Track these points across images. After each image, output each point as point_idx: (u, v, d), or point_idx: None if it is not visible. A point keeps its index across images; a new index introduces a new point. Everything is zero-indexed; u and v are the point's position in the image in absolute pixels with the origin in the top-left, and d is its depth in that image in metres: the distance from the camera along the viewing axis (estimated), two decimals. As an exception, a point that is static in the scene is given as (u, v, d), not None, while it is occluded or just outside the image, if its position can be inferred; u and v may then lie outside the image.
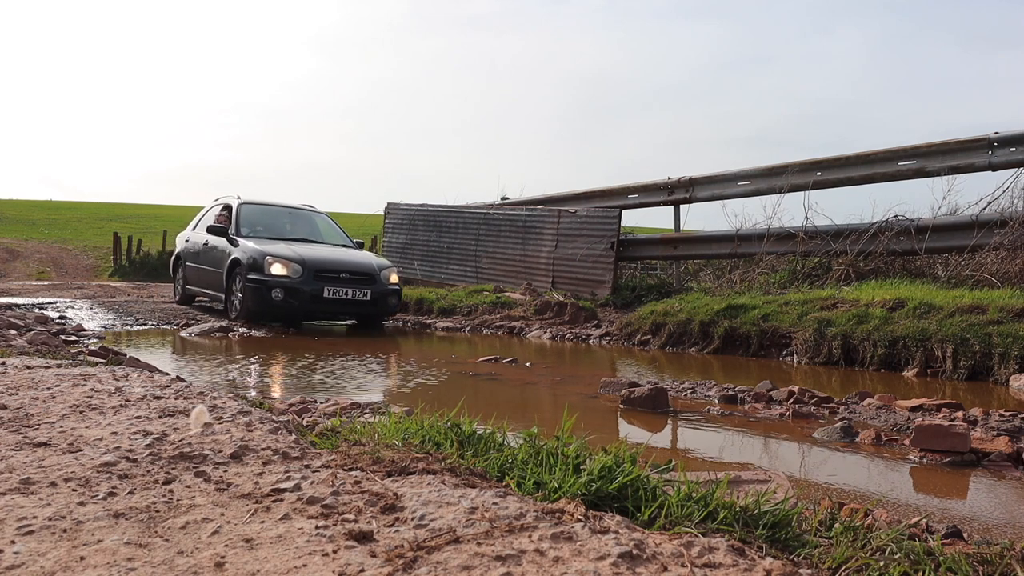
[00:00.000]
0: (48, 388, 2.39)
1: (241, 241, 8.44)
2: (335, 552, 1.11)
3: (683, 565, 1.09)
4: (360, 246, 9.58)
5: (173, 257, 10.64)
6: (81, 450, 1.64)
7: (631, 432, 3.26)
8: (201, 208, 10.58)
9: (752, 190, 9.47)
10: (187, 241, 10.04)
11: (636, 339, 7.31)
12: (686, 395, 4.16)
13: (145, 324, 7.78)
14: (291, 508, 1.31)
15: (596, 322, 8.55)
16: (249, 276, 7.88)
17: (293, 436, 1.83)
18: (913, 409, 3.66)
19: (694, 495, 1.36)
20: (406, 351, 6.53)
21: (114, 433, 1.80)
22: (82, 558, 1.09)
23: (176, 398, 2.30)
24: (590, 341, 7.57)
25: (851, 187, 8.93)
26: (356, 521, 1.24)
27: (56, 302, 9.74)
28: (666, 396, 3.71)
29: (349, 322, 8.91)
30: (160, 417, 2.00)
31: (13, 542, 1.13)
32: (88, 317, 8.11)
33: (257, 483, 1.44)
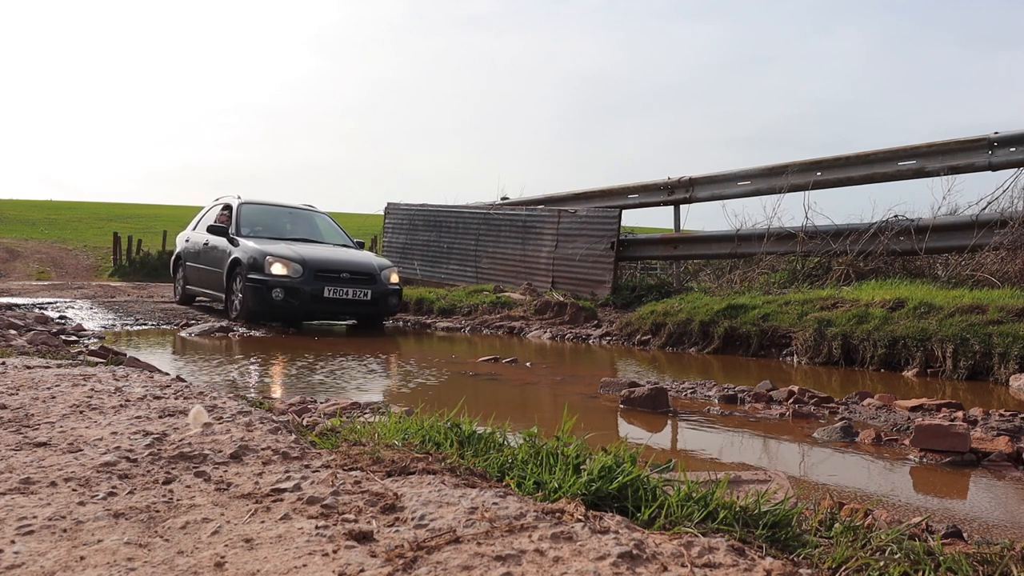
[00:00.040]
0: (48, 388, 2.39)
1: (241, 241, 8.44)
2: (335, 552, 1.11)
3: (683, 565, 1.09)
4: (360, 246, 9.58)
5: (173, 257, 10.65)
6: (81, 450, 1.64)
7: (631, 432, 3.26)
8: (201, 208, 10.58)
9: (752, 190, 9.47)
10: (187, 241, 10.04)
11: (636, 339, 7.31)
12: (686, 395, 4.16)
13: (145, 324, 7.78)
14: (291, 508, 1.31)
15: (596, 322, 8.55)
16: (249, 276, 7.88)
17: (293, 436, 1.83)
18: (913, 409, 3.66)
19: (694, 495, 1.36)
20: (406, 351, 6.53)
21: (114, 433, 1.80)
22: (82, 558, 1.09)
23: (176, 398, 2.30)
24: (590, 341, 7.57)
25: (851, 187, 8.93)
26: (356, 521, 1.24)
27: (56, 302, 9.74)
28: (666, 396, 3.71)
29: (349, 322, 8.91)
30: (160, 417, 2.00)
31: (13, 542, 1.13)
32: (88, 317, 8.11)
33: (257, 483, 1.44)
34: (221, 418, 1.98)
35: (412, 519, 1.25)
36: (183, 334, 6.95)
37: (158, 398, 2.28)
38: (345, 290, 7.98)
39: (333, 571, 1.05)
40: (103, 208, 38.68)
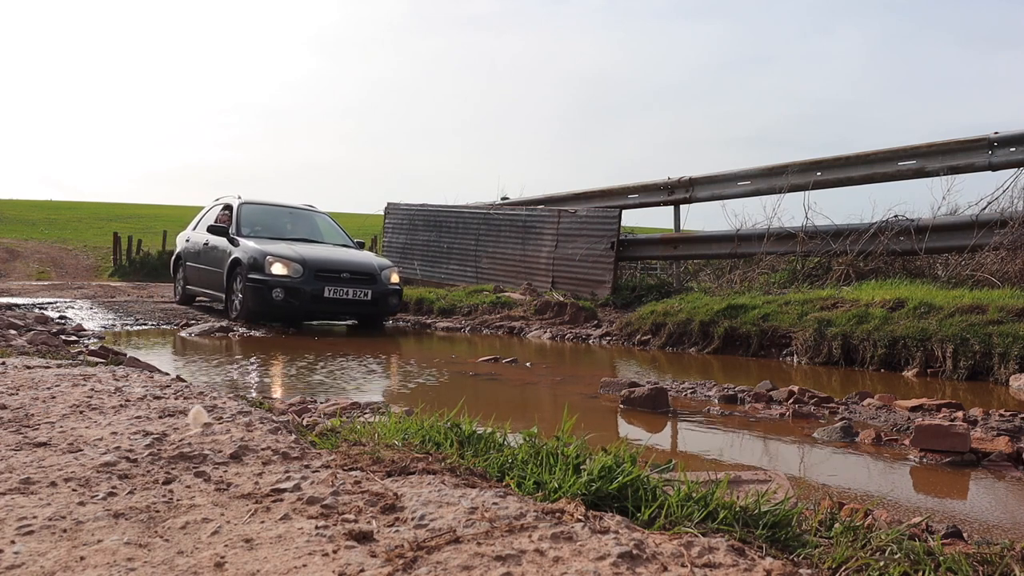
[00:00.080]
0: (48, 388, 2.39)
1: (242, 241, 8.44)
2: (335, 552, 1.11)
3: (683, 565, 1.09)
4: (361, 246, 9.57)
5: (173, 257, 10.65)
6: (81, 450, 1.64)
7: (631, 432, 3.26)
8: (201, 208, 10.58)
9: (752, 190, 9.47)
10: (187, 241, 10.04)
11: (636, 339, 7.31)
12: (686, 395, 4.16)
13: (145, 324, 7.78)
14: (291, 508, 1.31)
15: (596, 322, 8.55)
16: (250, 276, 7.88)
17: (293, 436, 1.83)
18: (913, 409, 3.66)
19: (694, 495, 1.36)
20: (406, 351, 6.53)
21: (114, 433, 1.80)
22: (82, 558, 1.09)
23: (176, 398, 2.30)
24: (590, 341, 7.57)
25: (851, 187, 8.93)
26: (356, 521, 1.24)
27: (56, 302, 9.74)
28: (666, 396, 3.71)
29: (349, 322, 8.91)
30: (160, 417, 2.00)
31: (13, 542, 1.13)
32: (88, 317, 8.11)
33: (257, 483, 1.44)
34: (221, 418, 1.98)
35: (412, 519, 1.25)
36: (183, 334, 6.95)
37: (158, 398, 2.28)
38: (345, 290, 7.98)
39: (333, 571, 1.05)
40: (103, 208, 38.68)
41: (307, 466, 1.56)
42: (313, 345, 6.41)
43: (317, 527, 1.21)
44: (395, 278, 8.59)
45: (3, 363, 2.93)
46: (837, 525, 1.37)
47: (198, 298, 10.02)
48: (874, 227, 8.23)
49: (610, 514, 1.28)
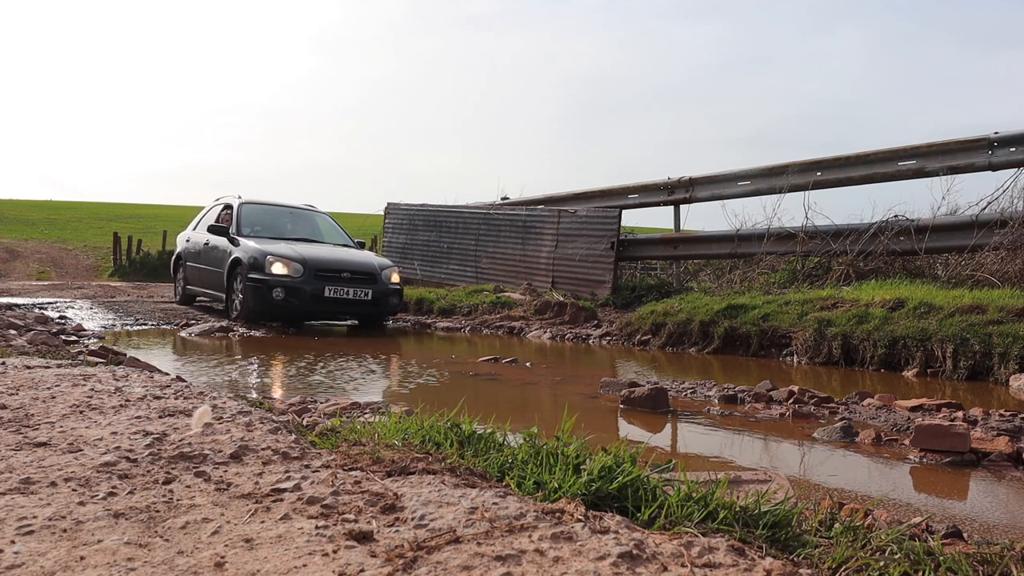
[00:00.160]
0: (48, 388, 2.39)
1: (242, 241, 8.44)
2: (335, 552, 1.11)
3: (683, 565, 1.09)
4: (361, 246, 9.58)
5: (174, 257, 10.65)
6: (81, 450, 1.64)
7: (631, 432, 3.26)
8: (201, 208, 10.58)
9: (752, 190, 9.47)
10: (188, 241, 10.04)
11: (636, 339, 7.31)
12: (686, 395, 4.16)
13: (145, 324, 7.78)
14: (291, 508, 1.31)
15: (596, 322, 8.55)
16: (250, 275, 7.88)
17: (293, 436, 1.83)
18: (913, 409, 3.66)
19: (694, 495, 1.36)
20: (406, 351, 6.53)
21: (114, 433, 1.80)
22: (82, 558, 1.09)
23: (176, 398, 2.30)
24: (590, 341, 7.57)
25: (851, 187, 8.94)
26: (356, 521, 1.24)
27: (56, 302, 9.74)
28: (666, 396, 3.71)
29: (350, 322, 8.91)
30: (160, 417, 2.00)
31: (13, 542, 1.13)
32: (88, 317, 8.11)
33: (257, 483, 1.44)
34: (221, 418, 1.98)
35: (412, 519, 1.25)
36: (183, 334, 6.95)
37: (158, 398, 2.28)
38: (346, 290, 7.98)
39: (333, 571, 1.05)
40: (103, 208, 38.69)
41: (307, 466, 1.56)
42: (313, 345, 6.41)
43: (317, 527, 1.21)
44: (395, 278, 8.59)
45: (3, 363, 2.93)
46: (837, 525, 1.37)
47: (198, 298, 10.02)
48: (874, 227, 8.23)
49: (610, 514, 1.28)
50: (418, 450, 1.68)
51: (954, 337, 5.23)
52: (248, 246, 8.22)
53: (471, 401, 2.58)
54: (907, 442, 2.96)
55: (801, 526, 1.37)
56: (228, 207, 9.36)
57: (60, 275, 19.06)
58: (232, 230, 8.75)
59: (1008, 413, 3.45)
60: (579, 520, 1.23)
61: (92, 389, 2.39)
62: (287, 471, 1.52)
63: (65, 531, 1.18)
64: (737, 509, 1.31)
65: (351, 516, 1.26)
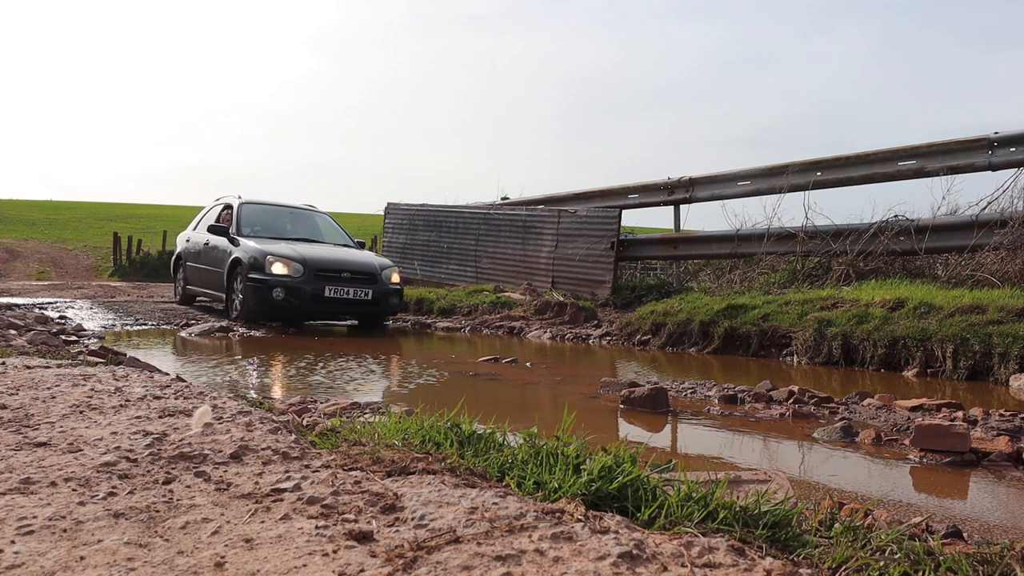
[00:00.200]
0: (48, 388, 2.39)
1: (242, 241, 8.44)
2: (335, 552, 1.11)
3: (683, 565, 1.09)
4: (361, 246, 9.58)
5: (174, 257, 10.65)
6: (81, 450, 1.64)
7: (631, 432, 3.26)
8: (201, 208, 10.59)
9: (752, 190, 9.47)
10: (188, 241, 10.04)
11: (636, 339, 7.31)
12: (686, 395, 4.16)
13: (145, 324, 7.78)
14: (291, 508, 1.31)
15: (596, 322, 8.55)
16: (250, 275, 7.88)
17: (293, 436, 1.83)
18: (913, 409, 3.66)
19: (694, 495, 1.36)
20: (406, 351, 6.53)
21: (114, 433, 1.80)
22: (82, 558, 1.09)
23: (176, 398, 2.30)
24: (590, 341, 7.57)
25: (851, 187, 8.94)
26: (356, 521, 1.24)
27: (56, 302, 9.74)
28: (666, 396, 3.71)
29: (350, 322, 8.91)
30: (160, 417, 2.00)
31: (13, 542, 1.13)
32: (88, 317, 8.11)
33: (257, 483, 1.44)
34: (221, 418, 1.98)
35: (412, 519, 1.25)
36: (183, 334, 6.95)
37: (158, 398, 2.28)
38: (346, 290, 7.98)
39: (333, 571, 1.05)
40: (103, 208, 38.69)
41: (307, 466, 1.56)
42: (313, 345, 6.41)
43: (317, 527, 1.21)
44: (396, 278, 8.58)
45: (3, 363, 2.93)
46: (837, 525, 1.37)
47: (198, 298, 10.02)
48: (874, 227, 8.23)
49: (610, 514, 1.28)
50: (418, 450, 1.68)
51: (954, 337, 5.23)
52: (248, 246, 8.22)
53: (471, 401, 2.58)
54: (907, 442, 2.96)
55: (801, 526, 1.37)
56: (228, 207, 9.36)
57: (60, 275, 19.06)
58: (232, 230, 8.75)
59: (1008, 413, 3.45)
60: (579, 520, 1.23)
61: (92, 389, 2.39)
62: (287, 471, 1.52)
63: (65, 531, 1.18)
64: (737, 509, 1.31)
65: (351, 516, 1.26)
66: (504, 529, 1.20)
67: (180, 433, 1.81)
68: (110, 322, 7.79)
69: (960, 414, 3.47)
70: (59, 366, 2.97)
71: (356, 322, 8.78)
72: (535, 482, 1.46)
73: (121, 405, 2.15)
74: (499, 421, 1.99)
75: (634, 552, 1.12)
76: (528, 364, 5.51)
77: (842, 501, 1.97)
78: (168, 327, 7.60)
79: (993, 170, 7.83)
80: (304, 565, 1.07)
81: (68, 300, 10.25)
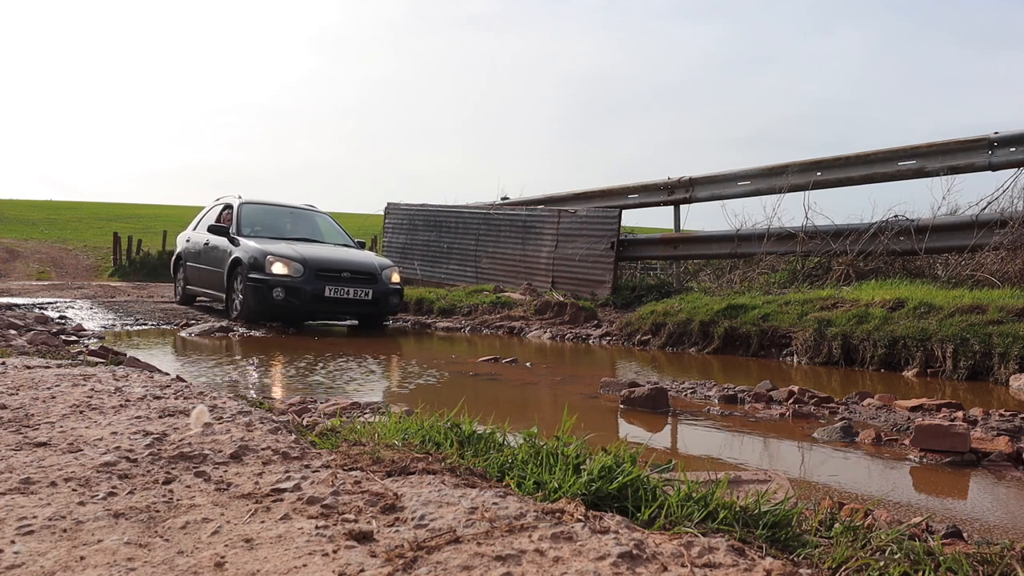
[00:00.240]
0: (48, 388, 2.39)
1: (242, 241, 8.44)
2: (335, 552, 1.11)
3: (683, 565, 1.09)
4: (361, 246, 9.58)
5: (174, 257, 10.65)
6: (81, 450, 1.64)
7: (631, 432, 3.26)
8: (201, 208, 10.59)
9: (752, 190, 9.47)
10: (188, 241, 10.04)
11: (636, 339, 7.31)
12: (686, 395, 4.16)
13: (145, 324, 7.78)
14: (291, 508, 1.31)
15: (596, 322, 8.55)
16: (250, 275, 7.88)
17: (293, 436, 1.83)
18: (913, 409, 3.66)
19: (694, 495, 1.36)
20: (406, 351, 6.53)
21: (114, 433, 1.80)
22: (82, 558, 1.09)
23: (176, 398, 2.30)
24: (590, 341, 7.57)
25: (851, 187, 8.94)
26: (356, 521, 1.24)
27: (56, 302, 9.74)
28: (666, 396, 3.71)
29: (350, 322, 8.91)
30: (160, 417, 2.00)
31: (13, 542, 1.13)
32: (88, 317, 8.11)
33: (257, 483, 1.45)
34: (221, 418, 1.98)
35: (412, 519, 1.25)
36: (183, 334, 6.95)
37: (158, 398, 2.28)
38: (346, 289, 7.98)
39: (333, 571, 1.05)
40: (103, 208, 38.69)
41: (307, 466, 1.56)
42: (313, 345, 6.41)
43: (317, 527, 1.21)
44: (396, 278, 8.58)
45: (3, 363, 2.93)
46: (837, 525, 1.37)
47: (198, 298, 10.02)
48: (874, 227, 8.23)
49: (610, 514, 1.28)
50: (418, 450, 1.68)
51: (954, 337, 5.23)
52: (248, 246, 8.22)
53: (471, 401, 2.58)
54: (907, 442, 2.96)
55: (801, 526, 1.37)
56: (228, 207, 9.36)
57: (60, 275, 19.06)
58: (232, 230, 8.75)
59: (1008, 413, 3.45)
60: (579, 520, 1.23)
61: (92, 389, 2.39)
62: (287, 471, 1.52)
63: (65, 531, 1.18)
64: (737, 509, 1.31)
65: (351, 516, 1.26)
66: (504, 529, 1.20)
67: (180, 433, 1.81)
68: (110, 322, 7.80)
69: (960, 414, 3.47)
70: (59, 366, 2.97)
71: (356, 322, 8.78)
72: (535, 482, 1.46)
73: (121, 405, 2.15)
74: (499, 421, 1.99)
75: (634, 552, 1.12)
76: (528, 364, 5.51)
77: (842, 501, 1.97)
78: (168, 327, 7.60)
79: (993, 170, 7.84)
80: (304, 565, 1.07)
81: (68, 300, 10.25)
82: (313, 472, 1.51)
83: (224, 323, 7.72)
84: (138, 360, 4.02)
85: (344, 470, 1.53)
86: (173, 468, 1.52)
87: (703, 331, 6.78)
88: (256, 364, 5.06)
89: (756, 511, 1.32)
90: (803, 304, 6.56)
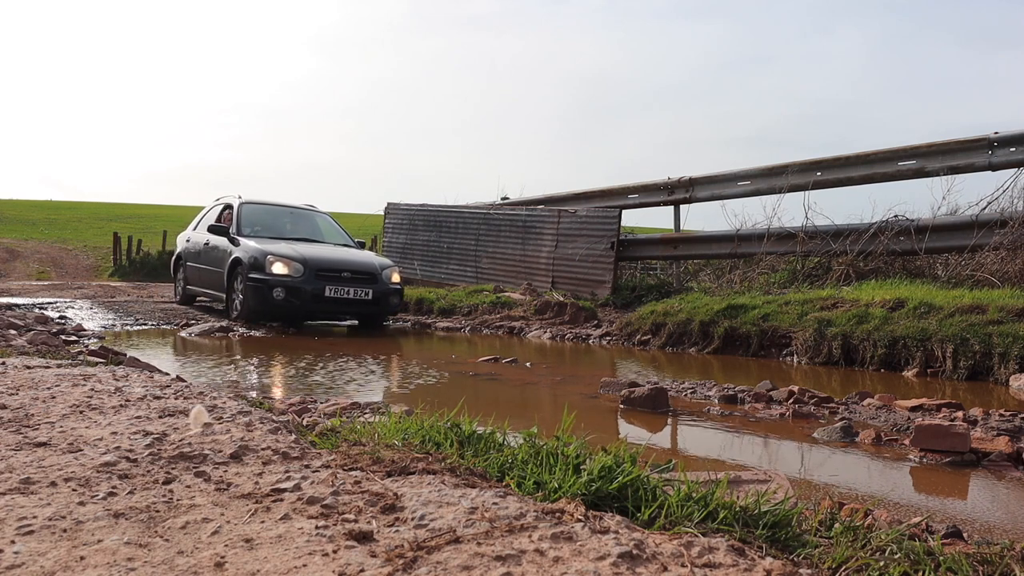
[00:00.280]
0: (48, 388, 2.39)
1: (242, 240, 8.44)
2: (335, 552, 1.11)
3: (683, 565, 1.09)
4: (361, 246, 9.57)
5: (174, 257, 10.65)
6: (81, 450, 1.64)
7: (631, 432, 3.26)
8: (201, 208, 10.59)
9: (752, 190, 9.47)
10: (188, 241, 10.04)
11: (636, 339, 7.31)
12: (686, 395, 4.16)
13: (145, 324, 7.78)
14: (291, 508, 1.31)
15: (596, 322, 8.55)
16: (250, 275, 7.88)
17: (293, 436, 1.83)
18: (913, 409, 3.66)
19: (694, 495, 1.36)
20: (406, 351, 6.53)
21: (114, 433, 1.80)
22: (82, 558, 1.09)
23: (176, 398, 2.30)
24: (590, 341, 7.57)
25: (851, 187, 8.94)
26: (356, 521, 1.24)
27: (56, 302, 9.74)
28: (666, 396, 3.71)
29: (350, 322, 8.91)
30: (160, 417, 2.00)
31: (13, 542, 1.13)
32: (88, 317, 8.11)
33: (257, 483, 1.44)
34: (221, 418, 1.98)
35: (412, 519, 1.25)
36: (183, 334, 6.95)
37: (158, 398, 2.28)
38: (346, 289, 7.98)
39: (333, 571, 1.05)
40: (103, 208, 38.69)
41: (307, 466, 1.56)
42: (313, 345, 6.41)
43: (317, 527, 1.21)
44: (396, 278, 8.58)
45: (3, 363, 2.94)
46: (837, 525, 1.37)
47: (198, 298, 10.02)
48: (874, 227, 8.24)
49: (610, 514, 1.28)
50: (418, 450, 1.68)
51: (954, 337, 5.23)
52: (248, 246, 8.22)
53: (471, 401, 2.58)
54: (907, 442, 2.96)
55: (801, 526, 1.37)
56: (228, 207, 9.36)
57: (60, 275, 19.06)
58: (232, 230, 8.75)
59: (1008, 413, 3.45)
60: (579, 520, 1.23)
61: (92, 389, 2.39)
62: (287, 471, 1.52)
63: (65, 531, 1.18)
64: (737, 509, 1.31)
65: (351, 516, 1.26)
66: (504, 529, 1.20)
67: (180, 433, 1.81)
68: (110, 322, 7.80)
69: (960, 414, 3.47)
70: (59, 366, 2.97)
71: (356, 322, 8.78)
72: (535, 482, 1.46)
73: (121, 405, 2.15)
74: (499, 421, 1.99)
75: (634, 552, 1.12)
76: (528, 364, 5.51)
77: (842, 501, 1.97)
78: (168, 327, 7.60)
79: (993, 170, 7.84)
80: (304, 565, 1.07)
81: (68, 300, 10.25)
82: (313, 472, 1.51)
83: (224, 323, 7.72)
84: (138, 360, 4.02)
85: (344, 470, 1.53)
86: (173, 468, 1.52)
87: (703, 331, 6.78)
88: (256, 364, 5.06)
89: (756, 511, 1.32)
90: (803, 304, 6.56)
